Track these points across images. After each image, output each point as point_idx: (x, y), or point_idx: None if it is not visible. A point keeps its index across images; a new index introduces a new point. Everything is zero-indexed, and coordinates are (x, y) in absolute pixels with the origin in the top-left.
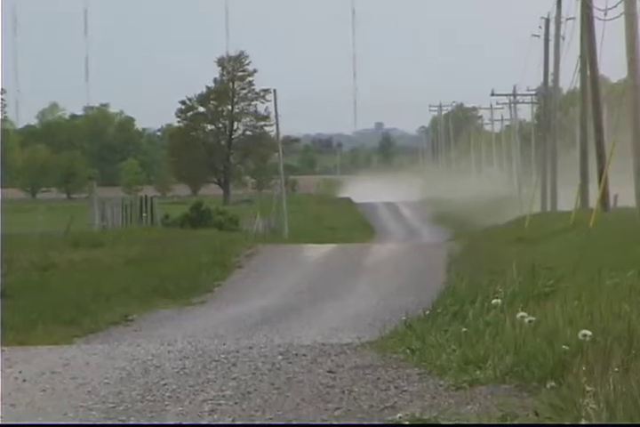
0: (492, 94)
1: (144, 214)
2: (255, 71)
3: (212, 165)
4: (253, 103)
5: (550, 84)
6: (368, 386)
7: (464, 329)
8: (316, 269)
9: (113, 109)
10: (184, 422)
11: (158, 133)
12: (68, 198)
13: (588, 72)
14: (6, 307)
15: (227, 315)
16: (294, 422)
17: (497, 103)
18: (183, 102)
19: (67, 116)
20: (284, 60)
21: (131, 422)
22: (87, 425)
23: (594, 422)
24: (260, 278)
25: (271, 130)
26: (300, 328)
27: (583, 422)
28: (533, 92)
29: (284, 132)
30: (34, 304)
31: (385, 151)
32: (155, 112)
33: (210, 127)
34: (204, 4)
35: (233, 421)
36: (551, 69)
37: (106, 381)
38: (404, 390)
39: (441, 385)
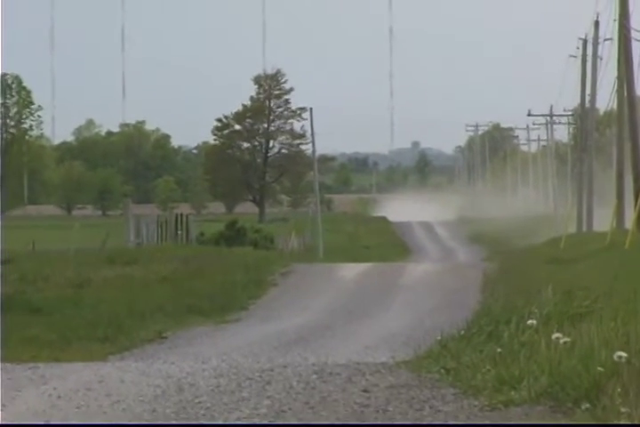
0: (529, 114)
1: (179, 232)
2: (292, 89)
3: (247, 182)
4: (289, 121)
5: (587, 104)
6: (402, 406)
7: (499, 350)
8: (351, 288)
9: (149, 127)
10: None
11: (194, 151)
12: (103, 215)
13: (625, 92)
14: (42, 323)
15: (261, 333)
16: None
17: (533, 123)
18: (219, 120)
19: (103, 133)
20: (320, 79)
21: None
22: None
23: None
24: (295, 297)
25: (307, 148)
26: (334, 347)
27: None
28: (570, 113)
29: (319, 150)
30: (69, 321)
31: (421, 170)
32: (191, 130)
33: (246, 145)
34: (240, 22)
35: None
36: (588, 90)
37: (140, 398)
38: (439, 410)
39: (475, 405)
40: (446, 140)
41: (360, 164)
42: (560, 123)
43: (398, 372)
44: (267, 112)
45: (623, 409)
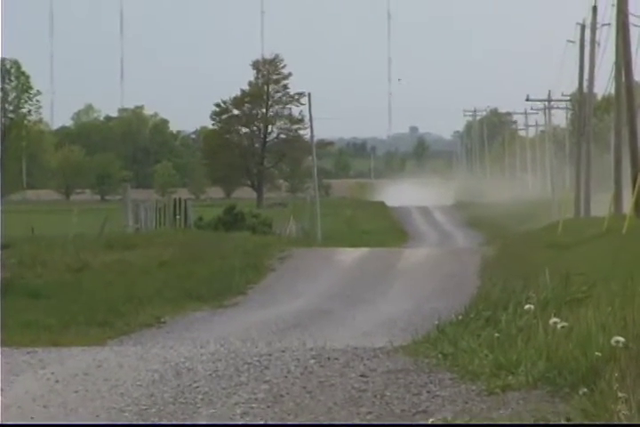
0: (527, 99)
1: (177, 217)
2: (290, 74)
3: (245, 167)
4: (288, 106)
5: (585, 89)
6: (400, 390)
7: (497, 334)
8: (349, 273)
9: (147, 112)
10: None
11: (193, 136)
12: (101, 200)
13: (623, 78)
14: (40, 308)
15: (259, 318)
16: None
17: (531, 108)
18: (218, 105)
19: (101, 118)
20: (318, 64)
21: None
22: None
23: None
24: (293, 282)
25: (305, 133)
26: (332, 332)
27: None
28: (568, 98)
29: (318, 135)
30: (67, 305)
31: (419, 155)
32: (189, 115)
33: (244, 130)
34: (239, 7)
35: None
36: (586, 75)
37: (138, 383)
38: (437, 395)
39: (473, 390)
40: (445, 125)
41: (358, 149)
42: (558, 108)
43: (396, 357)
44: (265, 97)
45: (620, 394)
